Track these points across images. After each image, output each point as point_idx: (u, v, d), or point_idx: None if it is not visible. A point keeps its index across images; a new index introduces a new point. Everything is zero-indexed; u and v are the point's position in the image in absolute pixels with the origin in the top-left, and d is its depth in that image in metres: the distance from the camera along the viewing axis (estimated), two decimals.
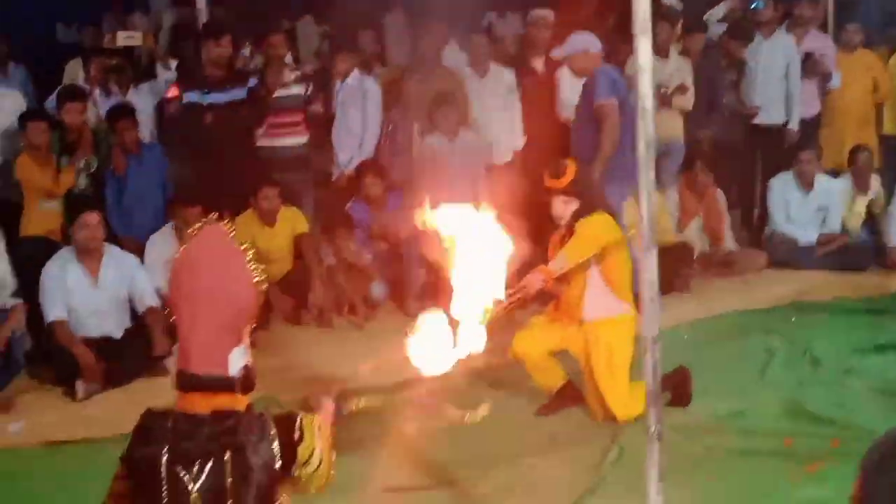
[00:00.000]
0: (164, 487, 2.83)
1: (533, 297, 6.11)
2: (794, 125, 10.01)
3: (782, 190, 9.66)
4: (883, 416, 6.05)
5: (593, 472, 5.48)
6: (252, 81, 8.42)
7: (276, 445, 2.87)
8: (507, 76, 9.12)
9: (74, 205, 7.48)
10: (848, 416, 6.05)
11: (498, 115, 9.09)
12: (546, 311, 6.47)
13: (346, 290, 8.41)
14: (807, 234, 9.54)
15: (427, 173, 8.70)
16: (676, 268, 8.44)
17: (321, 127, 9.22)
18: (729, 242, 9.56)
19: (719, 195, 9.52)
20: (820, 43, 10.37)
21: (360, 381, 3.49)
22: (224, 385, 2.88)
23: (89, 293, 7.20)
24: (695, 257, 9.14)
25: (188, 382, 2.88)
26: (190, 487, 2.83)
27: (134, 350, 7.20)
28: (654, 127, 3.46)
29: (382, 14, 10.80)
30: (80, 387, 6.87)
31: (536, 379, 6.37)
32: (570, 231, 6.09)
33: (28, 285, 7.35)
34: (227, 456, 2.82)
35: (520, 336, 6.29)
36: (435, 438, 6.00)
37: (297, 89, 8.86)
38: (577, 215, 6.09)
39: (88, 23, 10.77)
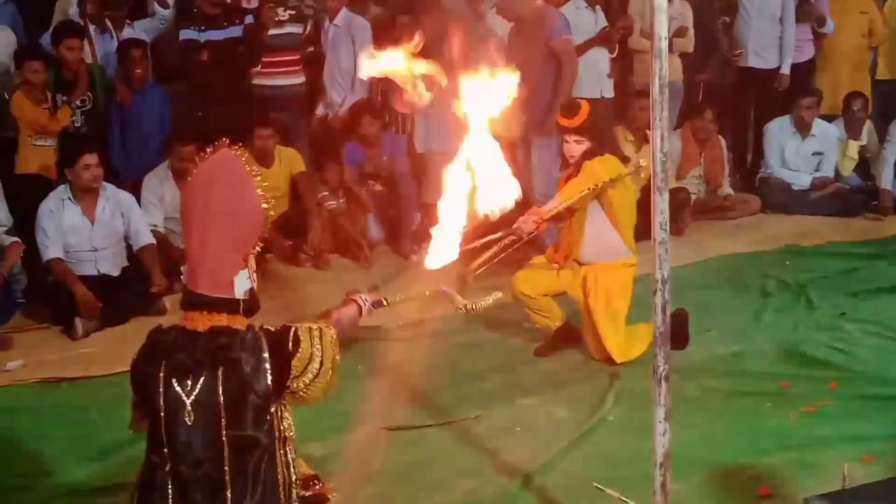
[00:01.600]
0: (161, 399, 2.92)
1: (528, 239, 6.10)
2: (786, 70, 9.99)
3: (778, 134, 9.67)
4: (878, 358, 6.13)
5: (593, 412, 5.52)
6: (249, 19, 8.35)
7: (268, 361, 2.92)
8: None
9: (70, 143, 7.41)
10: (844, 359, 6.11)
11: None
12: (546, 252, 6.48)
13: (345, 230, 8.40)
14: (801, 179, 9.57)
15: (419, 114, 8.69)
16: (673, 213, 8.43)
17: (315, 67, 9.16)
18: (727, 188, 9.57)
19: (721, 141, 9.53)
20: None
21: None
22: (228, 306, 2.96)
23: (86, 231, 7.17)
24: (692, 203, 9.15)
25: (192, 301, 2.96)
26: (184, 400, 2.90)
27: (132, 288, 7.19)
28: (668, 68, 3.45)
29: None
30: (78, 324, 6.86)
31: (535, 319, 6.40)
32: (578, 170, 6.10)
33: (23, 223, 7.33)
34: (220, 370, 2.89)
35: (519, 276, 6.31)
36: (434, 377, 6.05)
37: (293, 28, 8.79)
38: (586, 155, 6.11)
39: None
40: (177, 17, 8.82)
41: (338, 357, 3.09)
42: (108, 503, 4.76)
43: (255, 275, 3.03)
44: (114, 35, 8.57)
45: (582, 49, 8.67)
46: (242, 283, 2.97)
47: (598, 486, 4.52)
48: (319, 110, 9.09)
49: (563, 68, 7.83)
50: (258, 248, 3.04)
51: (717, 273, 7.87)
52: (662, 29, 3.38)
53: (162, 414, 2.92)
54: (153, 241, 7.42)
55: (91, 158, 7.11)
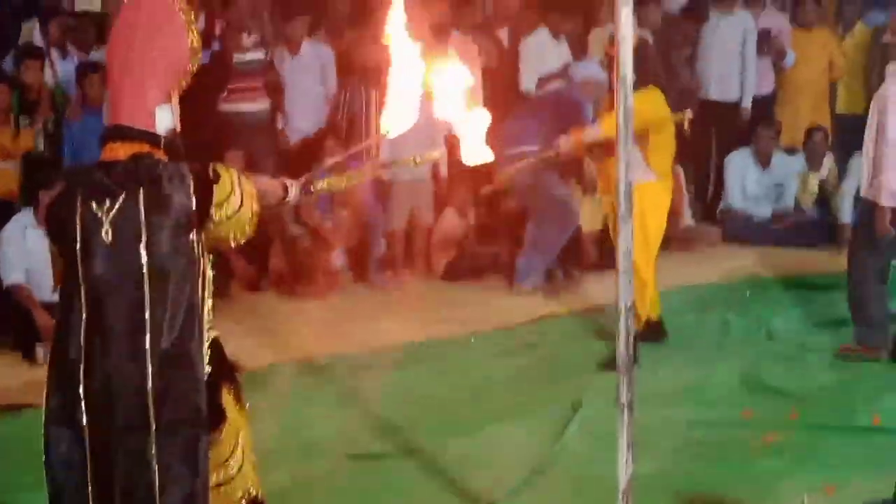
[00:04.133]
0: (78, 220, 2.90)
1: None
2: (746, 103, 10.09)
3: (739, 166, 9.77)
4: (837, 388, 6.19)
5: (554, 441, 5.53)
6: (215, 45, 8.36)
7: (191, 184, 2.93)
8: (469, 46, 9.09)
9: (33, 167, 7.37)
10: (804, 389, 6.16)
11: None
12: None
13: (307, 260, 8.37)
14: (761, 211, 9.66)
15: (384, 142, 8.66)
16: None
17: (278, 93, 9.13)
18: (688, 219, 9.65)
19: (679, 171, 9.59)
20: (776, 20, 10.45)
21: None
22: (149, 138, 2.97)
23: (48, 256, 7.09)
24: None
25: (113, 134, 2.98)
26: (102, 219, 2.89)
27: None
28: (632, 98, 3.49)
29: None
30: (39, 350, 6.79)
31: None
32: None
33: None
34: (141, 189, 2.89)
35: None
36: (398, 404, 6.05)
37: (257, 54, 8.79)
38: None
39: None
40: None
41: (256, 206, 3.09)
42: None
43: (178, 116, 3.06)
44: (75, 59, 8.55)
45: (545, 82, 8.74)
46: (164, 119, 3.00)
47: None
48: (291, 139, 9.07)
49: None
50: (183, 87, 3.08)
51: (679, 303, 7.89)
52: (627, 56, 3.43)
53: (78, 235, 2.89)
54: None
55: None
